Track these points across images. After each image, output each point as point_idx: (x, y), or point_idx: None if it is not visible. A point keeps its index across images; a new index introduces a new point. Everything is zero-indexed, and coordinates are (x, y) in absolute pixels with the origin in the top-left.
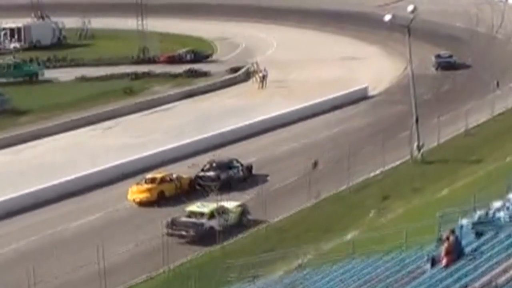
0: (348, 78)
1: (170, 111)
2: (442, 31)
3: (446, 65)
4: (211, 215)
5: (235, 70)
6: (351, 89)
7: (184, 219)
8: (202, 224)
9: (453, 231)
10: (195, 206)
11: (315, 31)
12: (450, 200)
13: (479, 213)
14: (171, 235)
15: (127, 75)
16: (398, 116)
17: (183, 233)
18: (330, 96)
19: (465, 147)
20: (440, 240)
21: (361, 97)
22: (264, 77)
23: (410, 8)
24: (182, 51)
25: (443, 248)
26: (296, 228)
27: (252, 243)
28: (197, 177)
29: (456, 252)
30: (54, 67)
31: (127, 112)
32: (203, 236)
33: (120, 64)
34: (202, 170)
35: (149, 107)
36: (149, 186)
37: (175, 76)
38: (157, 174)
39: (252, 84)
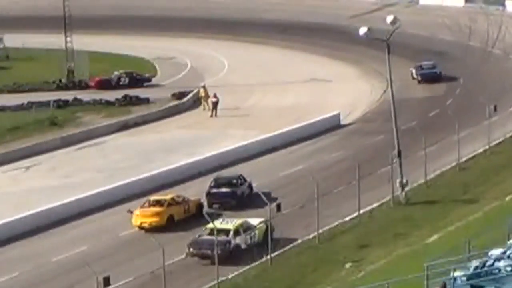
0: (317, 103)
1: (103, 146)
2: (428, 46)
3: (431, 77)
4: (236, 232)
5: (180, 95)
6: (321, 117)
7: (206, 237)
8: (228, 242)
9: (444, 285)
10: (218, 223)
11: (279, 48)
12: (440, 248)
13: (475, 263)
14: (194, 255)
15: (50, 103)
16: (376, 148)
17: (208, 252)
18: (296, 126)
19: (457, 184)
20: None
21: (332, 126)
22: (215, 104)
23: (389, 19)
24: (116, 73)
25: None
26: (256, 285)
27: None
28: (209, 194)
29: None
30: None
31: (51, 147)
32: (229, 256)
33: (42, 90)
34: (211, 187)
35: (78, 142)
36: (157, 209)
37: (108, 103)
38: (163, 196)
39: (201, 112)
